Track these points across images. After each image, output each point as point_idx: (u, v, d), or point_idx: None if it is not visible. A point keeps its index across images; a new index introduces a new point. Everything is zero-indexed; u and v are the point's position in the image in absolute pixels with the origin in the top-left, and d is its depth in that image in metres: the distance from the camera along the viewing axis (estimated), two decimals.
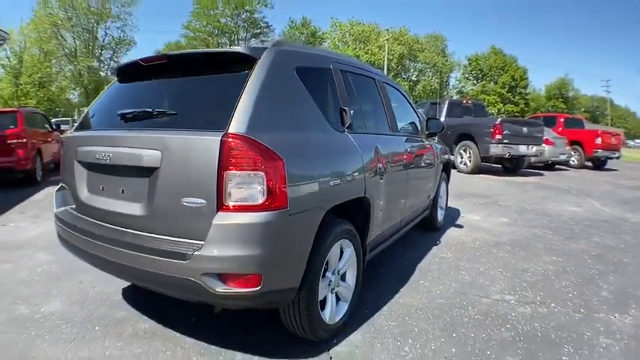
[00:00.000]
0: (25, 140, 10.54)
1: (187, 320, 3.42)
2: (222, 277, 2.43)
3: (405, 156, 4.51)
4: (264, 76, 2.69)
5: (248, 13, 59.19)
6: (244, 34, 60.79)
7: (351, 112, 3.45)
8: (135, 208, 2.73)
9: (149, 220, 2.67)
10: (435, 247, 5.59)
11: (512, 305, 3.87)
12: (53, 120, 15.05)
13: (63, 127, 14.65)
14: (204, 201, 2.44)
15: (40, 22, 43.49)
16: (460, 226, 6.74)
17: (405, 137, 4.76)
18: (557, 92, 71.10)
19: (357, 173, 3.31)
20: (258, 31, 61.12)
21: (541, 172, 15.24)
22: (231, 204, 2.42)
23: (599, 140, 17.10)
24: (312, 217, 2.76)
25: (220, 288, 2.43)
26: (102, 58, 50.04)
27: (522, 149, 13.25)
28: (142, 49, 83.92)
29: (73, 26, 46.94)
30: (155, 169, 2.62)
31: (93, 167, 3.09)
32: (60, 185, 3.52)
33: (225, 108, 2.53)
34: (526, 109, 59.81)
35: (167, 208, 2.58)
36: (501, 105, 59.13)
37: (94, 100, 3.78)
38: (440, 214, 6.43)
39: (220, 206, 2.42)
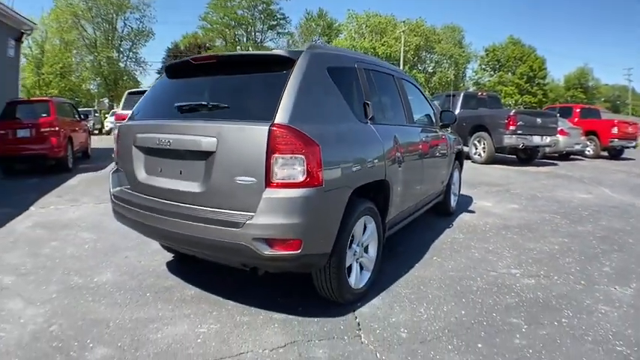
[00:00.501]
0: (57, 128, 11.03)
1: (229, 287, 3.90)
2: (269, 242, 2.92)
3: (420, 145, 4.97)
4: (302, 75, 3.19)
5: (265, 5, 59.35)
6: (261, 26, 61.16)
7: (373, 105, 3.94)
8: (193, 186, 3.22)
9: (206, 196, 3.15)
10: (448, 229, 6.01)
11: (518, 277, 4.29)
12: None
13: (89, 117, 15.27)
14: (254, 179, 2.93)
15: (61, 12, 43.95)
16: (472, 212, 7.13)
17: (421, 128, 5.23)
18: (577, 82, 70.16)
19: (378, 158, 3.78)
20: (275, 22, 61.41)
21: (555, 162, 15.37)
22: (277, 181, 2.91)
23: (615, 130, 17.15)
24: (341, 194, 3.24)
25: (267, 251, 2.92)
26: (121, 49, 50.56)
27: (536, 140, 13.40)
28: (160, 41, 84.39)
29: (93, 17, 47.26)
30: (211, 153, 3.10)
31: (151, 152, 3.57)
32: (115, 168, 4.01)
33: (270, 102, 3.04)
34: (544, 99, 59.14)
35: (222, 185, 3.07)
36: (519, 96, 58.68)
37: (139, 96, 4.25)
38: (453, 200, 6.85)
39: (268, 183, 2.91)
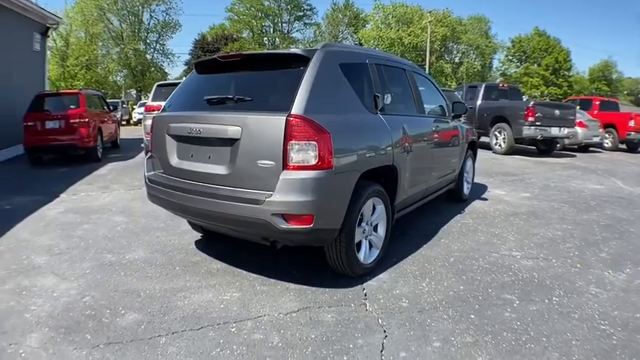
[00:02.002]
0: (87, 120, 11.43)
1: (252, 263, 4.30)
2: (285, 217, 3.34)
3: (430, 134, 5.33)
4: (316, 71, 3.59)
5: None
6: (287, 17, 60.88)
7: (383, 97, 4.32)
8: (220, 169, 3.65)
9: (231, 177, 3.58)
10: (459, 215, 6.33)
11: (517, 259, 4.59)
12: None
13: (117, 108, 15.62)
14: (273, 162, 3.35)
15: (86, 5, 44.10)
16: (485, 199, 7.41)
17: (431, 118, 5.57)
18: (601, 75, 69.13)
19: (386, 145, 4.17)
20: (301, 13, 60.98)
21: (574, 153, 15.42)
22: (292, 164, 3.32)
23: (632, 123, 17.04)
24: (350, 177, 3.64)
25: (284, 225, 3.34)
26: (148, 41, 50.84)
27: (554, 131, 13.50)
28: (188, 32, 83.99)
29: (119, 10, 47.55)
30: (236, 140, 3.52)
31: (183, 139, 4.00)
32: (149, 154, 4.43)
33: (287, 95, 3.46)
34: (569, 91, 58.15)
35: (245, 168, 3.50)
36: (544, 87, 58.02)
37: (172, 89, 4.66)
38: (466, 188, 7.17)
39: (285, 166, 3.32)
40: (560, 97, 53.64)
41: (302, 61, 3.68)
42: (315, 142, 3.32)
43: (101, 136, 12.39)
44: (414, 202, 5.12)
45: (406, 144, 4.52)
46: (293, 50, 3.92)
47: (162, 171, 4.20)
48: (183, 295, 3.65)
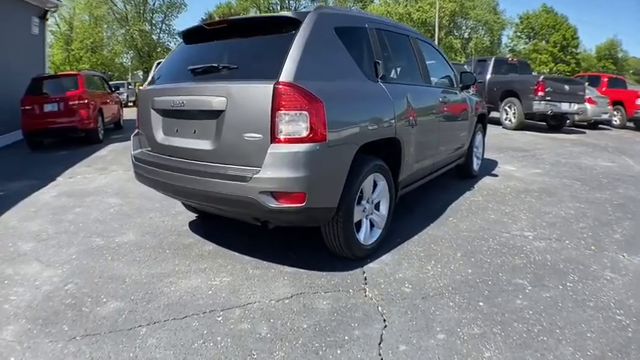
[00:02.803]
0: (86, 101, 11.18)
1: (246, 244, 4.04)
2: (275, 195, 3.04)
3: (437, 105, 4.97)
4: (307, 35, 3.25)
5: None
6: None
7: (384, 64, 3.97)
8: (205, 144, 3.34)
9: (217, 153, 3.27)
10: (468, 192, 6.02)
11: (529, 240, 4.29)
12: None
13: (121, 90, 15.39)
14: (260, 135, 3.04)
15: None
16: (495, 175, 7.09)
17: (438, 89, 5.23)
18: (607, 53, 68.15)
19: (387, 116, 3.83)
20: None
21: (584, 130, 15.14)
22: (281, 137, 3.00)
23: (639, 101, 16.64)
24: (347, 151, 3.32)
25: (273, 204, 3.04)
26: (153, 21, 50.44)
27: (564, 107, 13.18)
28: (194, 12, 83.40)
29: None
30: (221, 112, 3.22)
31: (168, 113, 3.71)
32: (136, 131, 4.15)
33: (276, 62, 3.12)
34: (577, 68, 57.40)
35: (231, 142, 3.19)
36: (553, 64, 57.27)
37: (163, 59, 4.36)
38: (476, 164, 6.82)
39: (273, 139, 3.01)
40: (568, 74, 52.83)
41: (293, 24, 3.33)
42: (306, 112, 3.00)
43: (102, 118, 12.17)
44: (419, 179, 4.79)
45: (410, 115, 4.19)
46: (283, 13, 3.60)
47: (149, 148, 3.92)
48: (170, 281, 3.40)
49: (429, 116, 4.75)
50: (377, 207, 3.89)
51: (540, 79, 13.01)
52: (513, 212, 5.16)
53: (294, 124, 3.00)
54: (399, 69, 4.50)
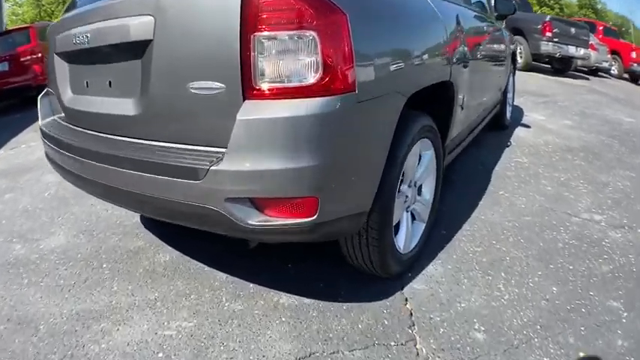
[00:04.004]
0: (40, 55, 9.92)
1: (219, 249, 2.70)
2: (257, 203, 1.66)
3: (483, 36, 3.59)
4: None
5: None
6: None
7: None
8: (126, 106, 1.91)
9: (145, 122, 1.87)
10: (507, 149, 4.87)
11: (603, 227, 3.21)
12: None
13: None
14: (221, 84, 1.60)
15: None
16: (527, 127, 5.99)
17: (480, 15, 3.81)
18: (587, 2, 67.80)
19: (440, 47, 2.42)
20: None
21: (587, 76, 14.36)
22: (265, 87, 1.57)
23: (634, 54, 16.40)
24: (389, 107, 1.91)
25: (255, 219, 1.65)
26: None
27: (572, 50, 12.45)
28: None
29: None
30: (147, 43, 1.77)
31: (72, 58, 2.29)
32: (45, 90, 2.76)
33: None
34: (560, 13, 56.79)
35: (167, 100, 1.77)
36: (538, 7, 56.13)
37: None
38: (508, 111, 5.64)
39: (248, 91, 1.58)
40: None
41: None
42: (313, 32, 1.53)
43: None
44: (465, 138, 3.42)
45: (465, 46, 2.78)
46: None
47: (61, 115, 2.52)
48: (101, 329, 2.09)
49: (479, 50, 3.34)
50: (419, 190, 2.53)
51: (547, 19, 12.24)
52: (569, 182, 4.03)
53: (290, 58, 1.56)
54: None
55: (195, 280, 2.43)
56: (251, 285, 2.36)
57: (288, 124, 1.55)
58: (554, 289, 2.40)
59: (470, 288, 2.34)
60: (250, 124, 1.56)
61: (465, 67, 2.76)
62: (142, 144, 1.85)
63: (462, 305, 2.20)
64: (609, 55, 15.90)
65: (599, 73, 16.06)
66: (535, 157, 4.65)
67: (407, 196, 2.33)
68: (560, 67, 13.58)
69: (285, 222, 1.66)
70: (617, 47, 16.84)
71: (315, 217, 1.64)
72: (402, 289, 2.30)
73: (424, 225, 2.56)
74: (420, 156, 2.39)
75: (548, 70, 13.67)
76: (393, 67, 1.87)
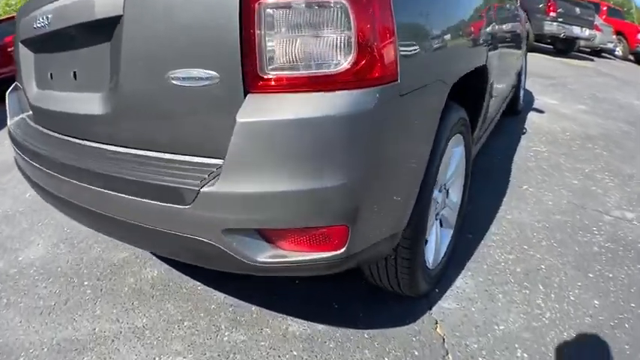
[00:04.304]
0: None
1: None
2: (267, 235, 1.27)
3: (508, 14, 3.20)
4: None
5: None
6: None
7: None
8: (93, 103, 1.52)
9: (116, 123, 1.48)
10: (522, 136, 4.58)
11: (636, 227, 2.95)
12: None
13: None
14: (214, 73, 1.19)
15: None
16: (540, 111, 5.67)
17: None
18: None
19: (476, 27, 2.04)
20: None
21: (591, 57, 14.17)
22: (274, 76, 1.17)
23: (639, 36, 15.96)
24: (434, 99, 1.54)
25: (265, 255, 1.26)
26: None
27: (576, 31, 12.17)
28: None
29: None
30: (117, 20, 1.36)
31: (38, 46, 1.92)
32: (14, 84, 2.39)
33: None
34: None
35: (141, 94, 1.37)
36: None
37: None
38: (521, 95, 5.29)
39: (251, 82, 1.18)
40: None
41: None
42: (344, 3, 1.12)
43: None
44: (487, 128, 3.04)
45: (495, 27, 2.42)
46: None
47: (29, 113, 2.14)
48: None
49: (505, 31, 2.95)
50: (447, 193, 2.17)
51: None
52: (594, 174, 3.75)
53: (309, 36, 1.15)
54: None
55: (188, 302, 2.11)
56: (253, 308, 2.04)
57: (307, 129, 1.14)
58: (596, 302, 2.12)
59: (507, 305, 2.02)
60: (255, 128, 1.16)
61: (495, 49, 2.40)
62: (113, 152, 1.48)
63: (501, 328, 1.89)
64: (614, 36, 15.62)
65: (603, 54, 15.84)
66: (553, 146, 4.35)
67: (437, 202, 1.97)
68: (564, 47, 13.34)
69: (306, 257, 1.28)
70: (622, 28, 16.49)
71: (344, 249, 1.27)
72: (429, 309, 1.99)
73: (452, 231, 2.21)
74: (452, 153, 2.03)
75: (550, 50, 13.38)
76: (437, 48, 1.50)
